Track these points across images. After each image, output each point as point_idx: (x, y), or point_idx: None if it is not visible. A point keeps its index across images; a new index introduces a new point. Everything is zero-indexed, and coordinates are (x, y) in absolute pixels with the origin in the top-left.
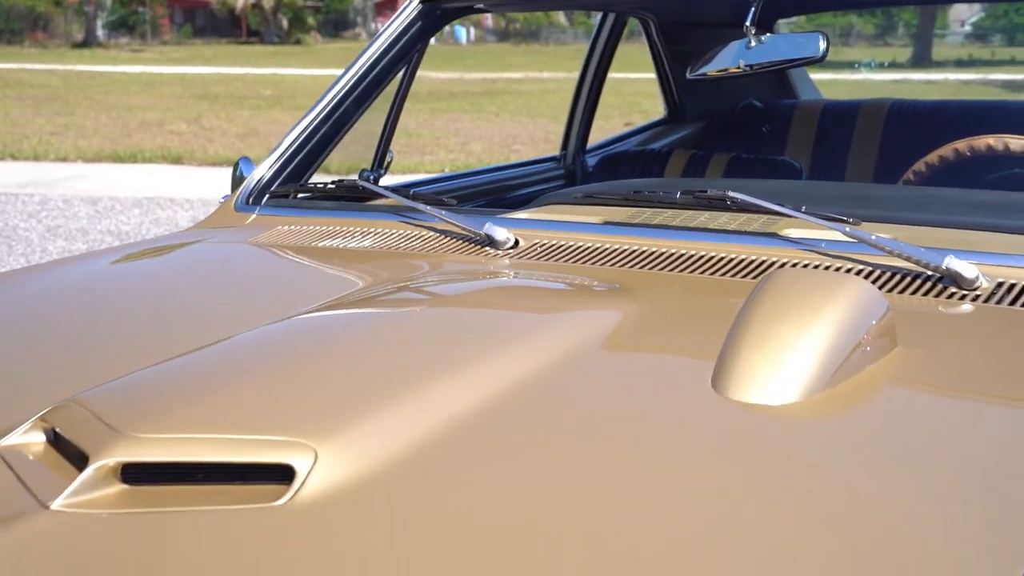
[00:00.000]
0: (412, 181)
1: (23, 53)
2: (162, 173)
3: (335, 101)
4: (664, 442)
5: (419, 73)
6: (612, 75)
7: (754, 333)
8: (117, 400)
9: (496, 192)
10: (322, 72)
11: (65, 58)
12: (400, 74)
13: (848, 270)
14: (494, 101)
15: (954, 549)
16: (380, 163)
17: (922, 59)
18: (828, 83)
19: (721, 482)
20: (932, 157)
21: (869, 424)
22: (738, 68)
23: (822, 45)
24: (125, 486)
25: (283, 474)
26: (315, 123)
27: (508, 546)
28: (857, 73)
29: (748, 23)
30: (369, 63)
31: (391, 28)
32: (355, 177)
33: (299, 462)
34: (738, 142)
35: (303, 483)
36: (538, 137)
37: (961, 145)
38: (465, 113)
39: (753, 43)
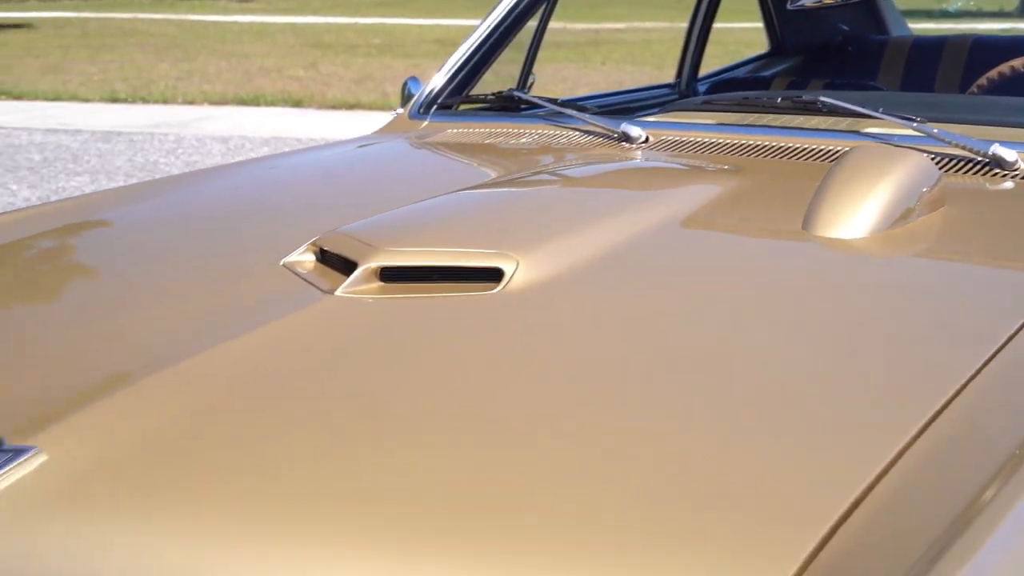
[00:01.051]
0: None
1: (135, 3)
2: (285, 115)
3: (489, 29)
4: (775, 258)
5: (526, 24)
6: (682, 26)
7: (836, 188)
8: (372, 229)
9: (620, 112)
10: (427, 22)
11: (177, 7)
12: (541, 9)
13: None
14: (599, 50)
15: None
16: (524, 83)
17: None
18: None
19: (813, 281)
20: (993, 73)
21: (915, 252)
22: None
23: None
24: (383, 283)
25: (494, 275)
26: (474, 46)
27: (658, 325)
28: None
29: None
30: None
31: None
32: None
33: (506, 266)
34: (833, 73)
35: (509, 281)
36: (642, 85)
37: (1017, 62)
38: (571, 62)
39: None
